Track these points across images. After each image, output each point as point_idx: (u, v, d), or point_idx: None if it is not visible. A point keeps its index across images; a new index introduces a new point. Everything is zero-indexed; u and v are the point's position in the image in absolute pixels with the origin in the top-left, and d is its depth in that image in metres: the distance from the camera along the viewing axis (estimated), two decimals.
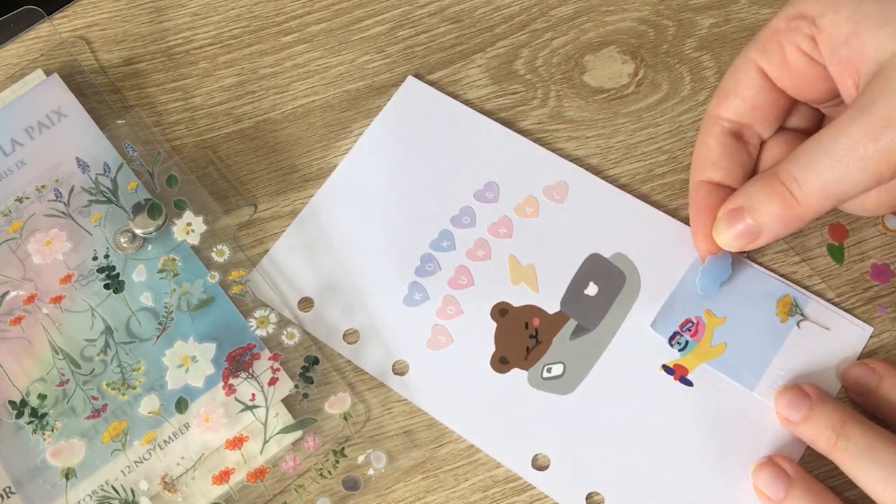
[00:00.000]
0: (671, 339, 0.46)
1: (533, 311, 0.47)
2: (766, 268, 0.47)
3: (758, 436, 0.44)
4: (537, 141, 0.50)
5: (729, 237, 0.42)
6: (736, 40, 0.52)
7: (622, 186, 0.49)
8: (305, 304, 0.48)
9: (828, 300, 0.46)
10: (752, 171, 0.45)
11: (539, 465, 0.44)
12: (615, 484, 0.43)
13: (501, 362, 0.46)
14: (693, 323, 0.46)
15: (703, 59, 0.52)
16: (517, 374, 0.46)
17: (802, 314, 0.46)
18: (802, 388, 0.42)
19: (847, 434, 0.39)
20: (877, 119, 0.35)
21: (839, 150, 0.36)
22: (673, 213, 0.48)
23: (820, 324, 0.45)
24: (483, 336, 0.46)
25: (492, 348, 0.46)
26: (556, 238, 0.48)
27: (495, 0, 0.54)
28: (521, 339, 0.46)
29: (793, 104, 0.44)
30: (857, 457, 0.39)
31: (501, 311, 0.47)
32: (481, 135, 0.50)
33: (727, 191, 0.44)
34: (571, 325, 0.46)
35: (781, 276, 0.47)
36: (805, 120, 0.45)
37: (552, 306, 0.47)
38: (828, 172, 0.37)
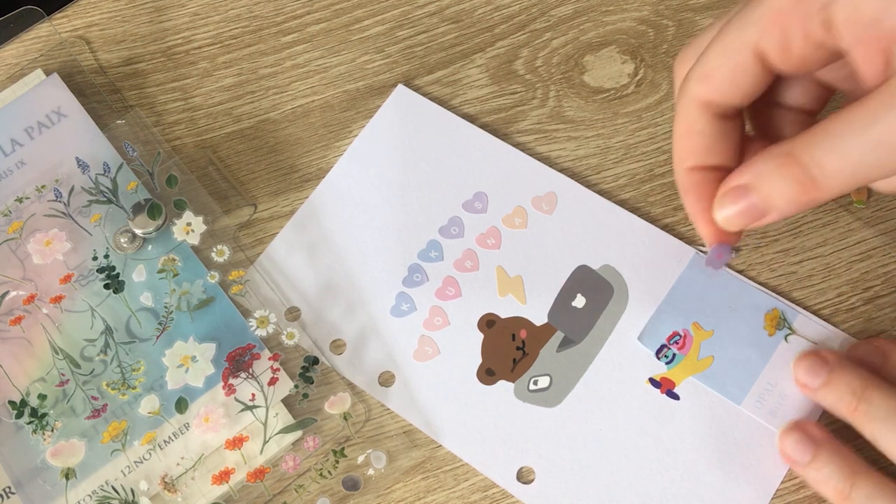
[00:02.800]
0: (658, 352, 0.45)
1: (520, 322, 0.47)
2: (764, 268, 0.47)
3: (744, 451, 0.43)
4: (536, 141, 0.50)
5: (732, 214, 0.38)
6: None
7: (622, 186, 0.49)
8: (293, 312, 0.48)
9: (827, 300, 0.46)
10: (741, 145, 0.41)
11: (524, 478, 0.44)
12: (601, 497, 0.43)
13: (488, 374, 0.46)
14: (680, 336, 0.46)
15: None
16: (503, 387, 0.46)
17: (790, 328, 0.45)
18: (821, 354, 0.43)
19: (868, 398, 0.40)
20: None
21: (875, 136, 0.34)
22: (670, 213, 0.48)
23: (808, 338, 0.45)
24: (470, 347, 0.46)
25: (478, 360, 0.46)
26: (544, 249, 0.48)
27: (495, 0, 0.54)
28: (508, 350, 0.46)
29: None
30: (878, 421, 0.39)
31: (489, 323, 0.47)
32: (470, 145, 0.50)
33: (724, 172, 0.40)
34: (558, 337, 0.46)
35: (780, 275, 0.47)
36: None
37: (539, 318, 0.47)
38: (859, 158, 0.34)
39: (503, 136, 0.51)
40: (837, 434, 0.44)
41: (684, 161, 0.40)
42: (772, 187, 0.37)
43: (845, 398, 0.41)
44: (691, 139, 0.40)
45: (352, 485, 0.44)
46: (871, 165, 0.34)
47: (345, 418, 0.45)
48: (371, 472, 0.44)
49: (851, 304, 0.46)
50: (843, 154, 0.35)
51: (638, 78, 0.52)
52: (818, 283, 0.47)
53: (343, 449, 0.44)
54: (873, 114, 0.34)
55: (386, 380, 0.46)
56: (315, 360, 0.46)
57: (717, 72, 0.38)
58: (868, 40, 0.35)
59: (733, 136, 0.40)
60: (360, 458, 0.44)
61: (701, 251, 0.47)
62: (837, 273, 0.47)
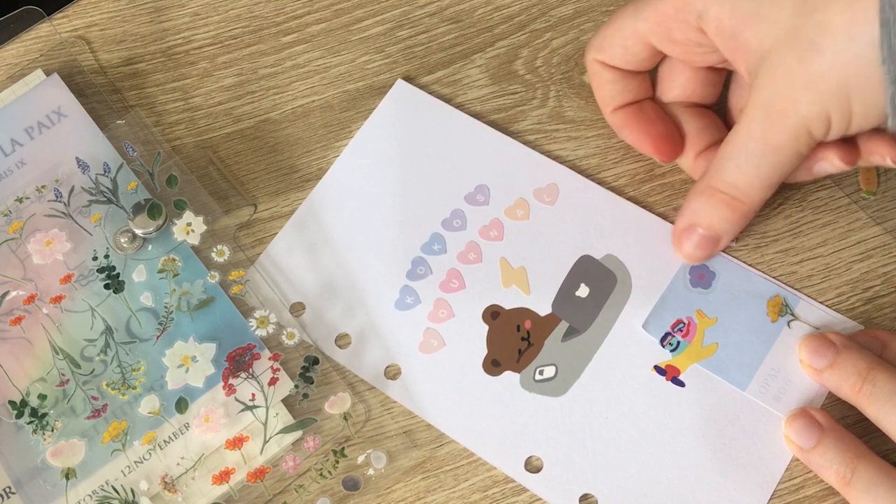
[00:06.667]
0: (663, 339, 0.46)
1: (525, 313, 0.47)
2: (764, 268, 0.47)
3: (750, 436, 0.44)
4: (537, 141, 0.50)
5: (691, 250, 0.45)
6: None
7: (622, 186, 0.49)
8: (297, 308, 0.48)
9: (827, 300, 0.46)
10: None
11: (532, 467, 0.44)
12: (608, 485, 0.43)
13: (494, 365, 0.46)
14: (684, 323, 0.46)
15: None
16: (509, 377, 0.46)
17: (792, 314, 0.46)
18: (827, 336, 0.43)
19: (873, 379, 0.41)
20: (777, 111, 0.39)
21: (757, 149, 0.41)
22: (670, 213, 0.48)
23: (810, 323, 0.45)
24: (475, 339, 0.46)
25: (484, 351, 0.46)
26: (546, 240, 0.48)
27: (495, 0, 0.54)
28: (514, 341, 0.46)
29: None
30: (882, 401, 0.40)
31: (493, 314, 0.47)
32: (471, 138, 0.50)
33: (641, 104, 0.47)
34: (563, 326, 0.46)
35: (780, 275, 0.47)
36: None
37: (544, 308, 0.47)
38: (756, 168, 0.41)
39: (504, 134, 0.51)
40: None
41: (606, 106, 0.48)
42: (710, 217, 0.44)
43: (850, 379, 0.41)
44: (604, 88, 0.47)
45: (352, 485, 0.44)
46: (770, 168, 0.41)
47: (345, 418, 0.45)
48: (371, 472, 0.44)
49: (851, 305, 0.46)
50: (744, 170, 0.41)
51: None
52: (818, 283, 0.47)
53: (343, 449, 0.44)
54: (749, 130, 0.41)
55: (392, 373, 0.46)
56: (315, 360, 0.46)
57: (610, 47, 0.45)
58: (730, 50, 0.41)
59: (639, 76, 0.47)
60: (361, 458, 0.44)
61: None
62: (837, 273, 0.47)
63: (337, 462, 0.44)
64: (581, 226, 0.48)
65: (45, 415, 0.45)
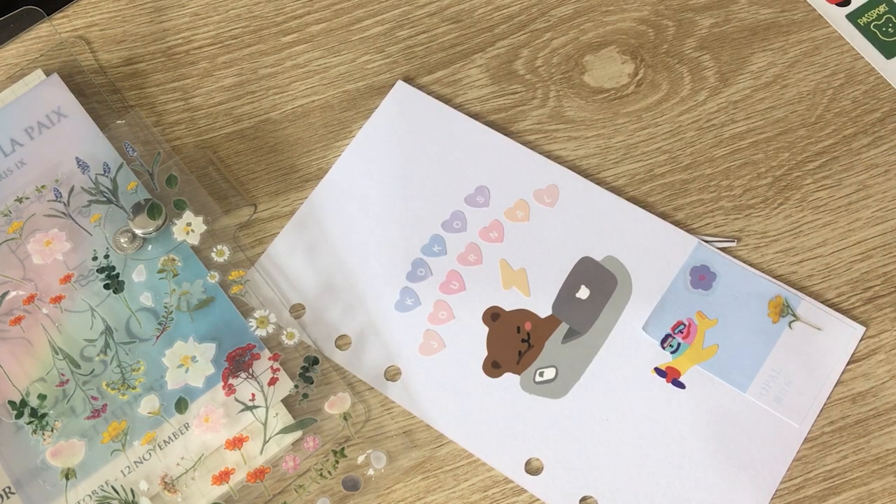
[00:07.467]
0: (663, 341, 0.46)
1: (525, 315, 0.47)
2: (765, 268, 0.47)
3: (750, 437, 0.44)
4: (537, 141, 0.50)
5: None
6: (736, 40, 0.52)
7: (622, 186, 0.49)
8: (297, 309, 0.48)
9: (827, 300, 0.46)
10: None
11: (532, 468, 0.44)
12: (609, 487, 0.43)
13: (494, 367, 0.46)
14: (685, 325, 0.46)
15: (703, 59, 0.52)
16: (510, 379, 0.46)
17: (794, 315, 0.46)
18: None
19: None
20: None
21: None
22: (670, 213, 0.48)
23: (811, 324, 0.45)
24: (475, 341, 0.46)
25: (484, 353, 0.46)
26: (547, 242, 0.48)
27: (495, 0, 0.54)
28: (514, 343, 0.46)
29: None
30: None
31: (493, 316, 0.47)
32: (472, 139, 0.50)
33: None
34: (563, 328, 0.46)
35: (780, 276, 0.47)
36: None
37: (544, 310, 0.47)
38: None
39: (504, 135, 0.51)
40: (839, 433, 0.44)
41: None
42: None
43: None
44: None
45: (352, 485, 0.44)
46: None
47: (345, 418, 0.45)
48: (371, 472, 0.44)
49: (851, 304, 0.46)
50: None
51: (638, 78, 0.52)
52: (818, 283, 0.47)
53: (343, 449, 0.44)
54: None
55: (392, 375, 0.46)
56: (315, 361, 0.46)
57: None
58: None
59: None
60: (360, 459, 0.44)
61: (704, 240, 0.47)
62: (837, 273, 0.47)
63: (337, 462, 0.44)
64: (581, 227, 0.48)
65: (44, 415, 0.45)
